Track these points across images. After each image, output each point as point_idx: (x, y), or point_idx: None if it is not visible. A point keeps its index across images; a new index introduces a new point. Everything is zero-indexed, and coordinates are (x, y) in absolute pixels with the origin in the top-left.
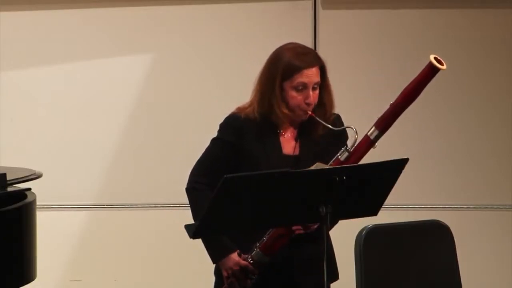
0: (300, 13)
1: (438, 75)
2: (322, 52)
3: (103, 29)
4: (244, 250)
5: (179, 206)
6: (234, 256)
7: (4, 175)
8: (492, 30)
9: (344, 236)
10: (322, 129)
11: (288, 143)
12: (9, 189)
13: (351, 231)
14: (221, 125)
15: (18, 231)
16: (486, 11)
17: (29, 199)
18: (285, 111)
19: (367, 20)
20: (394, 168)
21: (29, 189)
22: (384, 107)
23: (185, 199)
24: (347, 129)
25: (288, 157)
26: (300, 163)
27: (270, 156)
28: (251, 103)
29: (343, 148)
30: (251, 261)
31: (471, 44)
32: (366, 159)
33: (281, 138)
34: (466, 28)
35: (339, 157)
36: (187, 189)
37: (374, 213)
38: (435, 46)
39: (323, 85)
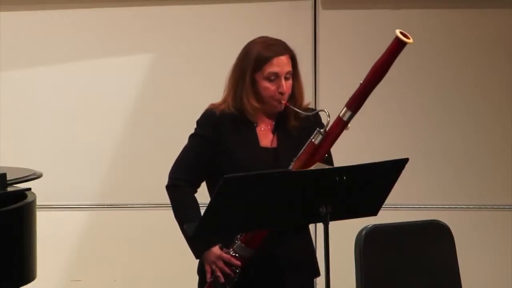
0: (300, 13)
1: (440, 75)
2: (322, 52)
3: (103, 29)
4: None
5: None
6: (216, 249)
7: (4, 175)
8: (492, 30)
9: (344, 236)
10: (295, 120)
11: (266, 136)
12: (9, 189)
13: (351, 231)
14: (199, 121)
15: (18, 231)
16: (486, 11)
17: (29, 199)
18: (255, 104)
19: (367, 20)
20: (394, 168)
21: (29, 189)
22: (384, 106)
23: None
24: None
25: (265, 149)
26: (279, 156)
27: (247, 149)
28: (224, 100)
29: (316, 131)
30: (234, 254)
31: (471, 44)
32: (366, 159)
33: (258, 131)
34: (466, 28)
35: (313, 140)
36: (167, 187)
37: (374, 213)
38: (435, 46)
39: (294, 76)
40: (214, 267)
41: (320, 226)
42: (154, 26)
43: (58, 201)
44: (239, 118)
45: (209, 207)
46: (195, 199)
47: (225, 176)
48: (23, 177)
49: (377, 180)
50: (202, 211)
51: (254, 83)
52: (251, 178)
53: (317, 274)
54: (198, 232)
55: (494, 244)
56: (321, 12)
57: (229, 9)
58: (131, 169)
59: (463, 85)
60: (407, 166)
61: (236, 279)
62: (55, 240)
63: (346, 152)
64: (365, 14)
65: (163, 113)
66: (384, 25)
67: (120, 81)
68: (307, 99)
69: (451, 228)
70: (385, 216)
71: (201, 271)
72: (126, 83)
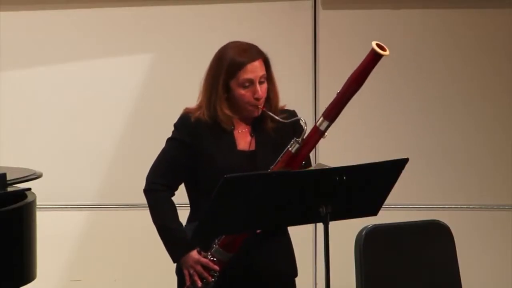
0: (300, 13)
1: (440, 75)
2: (322, 52)
3: (103, 29)
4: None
5: (179, 206)
6: (194, 253)
7: (4, 175)
8: (492, 30)
9: (344, 236)
10: (271, 122)
11: (243, 139)
12: (9, 189)
13: (351, 231)
14: (176, 125)
15: (18, 231)
16: (486, 11)
17: (29, 199)
18: (228, 113)
19: (367, 20)
20: (394, 168)
21: (29, 189)
22: (384, 106)
23: (185, 200)
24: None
25: (243, 152)
26: (257, 159)
27: (225, 153)
28: (199, 107)
29: (293, 140)
30: (212, 258)
31: (471, 44)
32: (366, 160)
33: (236, 134)
34: (466, 28)
35: (290, 149)
36: (145, 191)
37: (374, 213)
38: (435, 46)
39: (268, 78)
40: (192, 271)
41: (320, 226)
42: (154, 26)
43: (58, 201)
44: (215, 123)
45: (209, 208)
46: (172, 203)
47: (225, 176)
48: (23, 177)
49: (377, 180)
50: (180, 212)
51: (228, 91)
52: (251, 178)
53: (295, 275)
54: (198, 233)
55: (494, 244)
56: (321, 12)
57: (229, 9)
58: (131, 169)
59: (463, 85)
60: (407, 166)
61: (213, 283)
62: (55, 240)
63: (346, 152)
64: (365, 14)
65: (163, 113)
66: (384, 25)
67: (120, 81)
68: (307, 98)
69: (451, 228)
70: (385, 216)
71: (179, 272)
72: (126, 83)
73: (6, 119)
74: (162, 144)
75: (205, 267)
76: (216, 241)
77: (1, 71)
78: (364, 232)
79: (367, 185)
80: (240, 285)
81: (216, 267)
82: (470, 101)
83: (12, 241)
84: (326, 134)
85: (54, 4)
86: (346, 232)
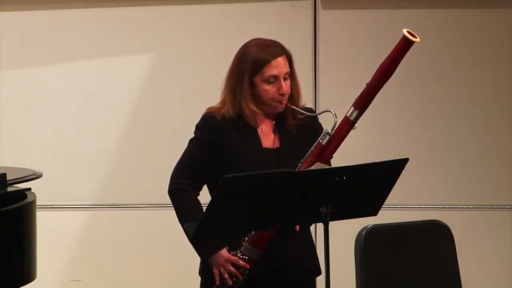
0: (300, 13)
1: (440, 75)
2: (322, 52)
3: (103, 29)
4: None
5: None
6: (224, 252)
7: (4, 175)
8: (493, 30)
9: (344, 236)
10: (292, 118)
11: (267, 137)
12: (9, 189)
13: (351, 231)
14: (198, 125)
15: (18, 231)
16: (486, 11)
17: (29, 199)
18: (253, 108)
19: (367, 20)
20: (394, 168)
21: (29, 189)
22: (384, 106)
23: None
24: (324, 116)
25: (268, 150)
26: (281, 156)
27: (250, 151)
28: (223, 104)
29: (323, 132)
30: (242, 256)
31: (472, 44)
32: (366, 159)
33: (260, 132)
34: (467, 28)
35: (321, 141)
36: (169, 191)
37: (374, 213)
38: (436, 45)
39: (291, 75)
40: (222, 270)
41: (320, 226)
42: (154, 26)
43: (58, 201)
44: (239, 121)
45: (209, 208)
46: (199, 203)
47: (225, 176)
48: (23, 177)
49: (377, 180)
50: None
51: (252, 86)
52: (251, 178)
53: (319, 272)
54: (199, 233)
55: (494, 244)
56: (321, 12)
57: (229, 9)
58: (131, 169)
59: (463, 85)
60: (407, 166)
61: (242, 282)
62: (55, 240)
63: (347, 152)
64: (365, 14)
65: (163, 113)
66: (384, 25)
67: (120, 81)
68: (307, 98)
69: (451, 228)
70: (385, 216)
71: (204, 272)
72: (126, 83)
73: (6, 119)
74: (162, 144)
75: (235, 265)
76: (246, 238)
77: (1, 71)
78: (364, 232)
79: (367, 185)
80: (266, 283)
81: (246, 265)
82: (471, 101)
83: (12, 241)
84: (356, 125)
85: (54, 4)
86: (346, 232)
